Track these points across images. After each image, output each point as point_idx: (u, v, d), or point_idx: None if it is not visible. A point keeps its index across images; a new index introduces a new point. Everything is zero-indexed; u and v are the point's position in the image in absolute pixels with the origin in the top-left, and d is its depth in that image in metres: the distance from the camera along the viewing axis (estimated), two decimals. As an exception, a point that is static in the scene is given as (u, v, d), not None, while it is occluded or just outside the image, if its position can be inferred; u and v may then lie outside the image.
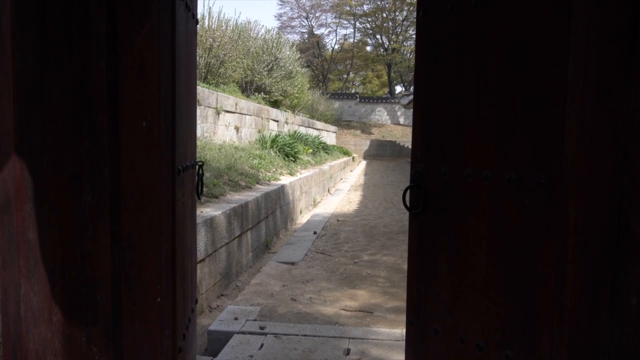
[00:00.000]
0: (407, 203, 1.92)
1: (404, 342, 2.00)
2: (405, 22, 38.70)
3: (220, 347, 3.12)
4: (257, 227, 6.03)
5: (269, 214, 6.65)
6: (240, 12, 28.85)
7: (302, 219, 8.82)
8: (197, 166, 2.33)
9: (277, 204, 7.16)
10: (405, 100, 26.86)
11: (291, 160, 10.88)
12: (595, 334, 1.39)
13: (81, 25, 1.61)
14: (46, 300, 1.63)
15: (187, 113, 2.12)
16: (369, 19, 40.10)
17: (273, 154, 10.24)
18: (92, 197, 1.65)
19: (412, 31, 37.55)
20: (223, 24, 12.95)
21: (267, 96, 15.00)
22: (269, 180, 7.79)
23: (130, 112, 1.66)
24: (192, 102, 2.29)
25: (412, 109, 1.93)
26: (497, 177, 1.62)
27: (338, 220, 8.34)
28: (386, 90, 42.37)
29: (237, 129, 10.25)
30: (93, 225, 1.66)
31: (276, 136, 11.61)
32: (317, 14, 41.01)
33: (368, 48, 43.08)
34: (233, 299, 4.40)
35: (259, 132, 11.77)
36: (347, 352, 3.00)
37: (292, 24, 41.70)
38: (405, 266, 2.00)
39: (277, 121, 13.76)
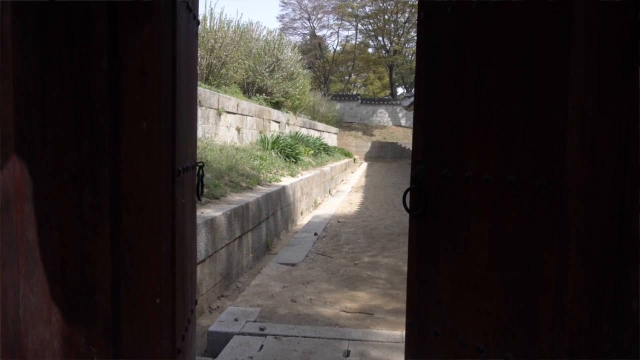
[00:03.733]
0: (408, 205, 1.91)
1: (404, 344, 2.00)
2: (407, 24, 38.72)
3: (220, 348, 3.12)
4: (258, 228, 6.03)
5: (270, 215, 6.64)
6: (242, 14, 29.04)
7: (303, 220, 8.81)
8: (197, 167, 2.33)
9: (278, 205, 7.16)
10: (406, 102, 26.84)
11: (292, 161, 10.88)
12: (596, 338, 1.39)
13: (82, 27, 1.60)
14: (45, 301, 1.62)
15: (188, 114, 2.12)
16: (371, 21, 40.12)
17: (274, 155, 10.24)
18: (92, 198, 1.65)
19: (413, 33, 37.54)
20: (225, 25, 12.96)
21: (269, 97, 15.01)
22: (269, 182, 7.79)
23: (130, 114, 1.65)
24: (193, 103, 2.29)
25: (413, 111, 1.93)
26: (497, 179, 1.62)
27: (339, 222, 8.33)
28: (388, 92, 42.36)
29: (238, 130, 10.25)
30: (93, 226, 1.65)
31: (277, 137, 11.62)
32: (319, 16, 41.07)
33: (370, 50, 43.13)
34: (233, 300, 4.39)
35: (260, 133, 11.77)
36: (347, 353, 3.00)
37: (294, 25, 41.77)
38: (406, 268, 2.00)
39: (278, 122, 13.77)
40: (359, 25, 40.94)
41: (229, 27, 13.10)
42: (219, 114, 9.08)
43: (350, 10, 39.23)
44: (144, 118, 1.65)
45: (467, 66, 1.69)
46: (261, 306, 3.95)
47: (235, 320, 3.50)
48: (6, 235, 1.54)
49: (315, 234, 6.99)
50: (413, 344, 1.92)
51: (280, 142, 11.22)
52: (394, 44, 40.07)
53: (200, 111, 7.99)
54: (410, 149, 1.97)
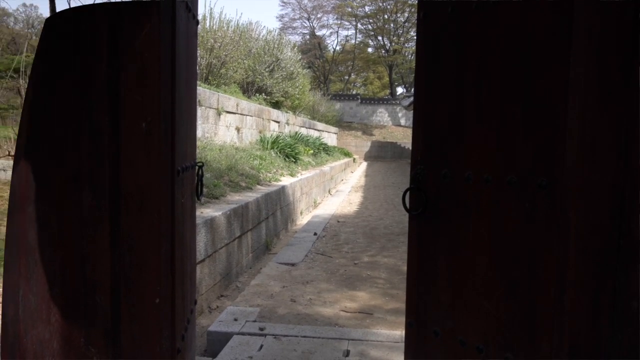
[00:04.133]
0: (407, 205, 1.91)
1: (404, 344, 2.00)
2: (406, 24, 38.72)
3: (219, 348, 3.12)
4: (258, 228, 6.03)
5: (270, 215, 6.64)
6: (241, 13, 29.03)
7: (303, 220, 8.81)
8: (197, 167, 2.33)
9: (278, 205, 7.16)
10: (406, 102, 26.84)
11: (292, 161, 10.88)
12: (596, 337, 1.39)
13: (83, 27, 1.60)
14: (45, 301, 1.62)
15: (188, 114, 2.12)
16: (371, 21, 40.12)
17: (274, 155, 10.24)
18: (92, 198, 1.64)
19: (413, 33, 37.54)
20: (224, 24, 12.96)
21: (268, 97, 15.01)
22: (269, 181, 7.79)
23: (130, 113, 1.65)
24: (192, 103, 2.28)
25: (413, 111, 1.93)
26: (497, 179, 1.61)
27: (338, 222, 8.33)
28: (387, 91, 42.36)
29: (238, 129, 10.25)
30: (93, 227, 1.65)
31: (277, 137, 11.61)
32: (319, 15, 41.08)
33: (369, 49, 43.13)
34: (233, 299, 4.39)
35: (260, 133, 11.77)
36: (347, 353, 3.00)
37: (294, 25, 41.78)
38: (406, 268, 2.00)
39: (278, 122, 13.77)
40: (359, 25, 40.97)
41: (228, 26, 13.10)
42: (219, 114, 9.08)
43: (349, 9, 39.24)
44: (144, 118, 1.65)
45: (467, 66, 1.69)
46: (261, 306, 3.95)
47: (235, 320, 3.50)
48: (8, 236, 1.54)
49: (315, 234, 6.99)
50: (413, 344, 1.92)
51: (280, 141, 11.21)
52: (393, 44, 40.06)
53: (199, 111, 7.99)
54: (410, 148, 1.97)
